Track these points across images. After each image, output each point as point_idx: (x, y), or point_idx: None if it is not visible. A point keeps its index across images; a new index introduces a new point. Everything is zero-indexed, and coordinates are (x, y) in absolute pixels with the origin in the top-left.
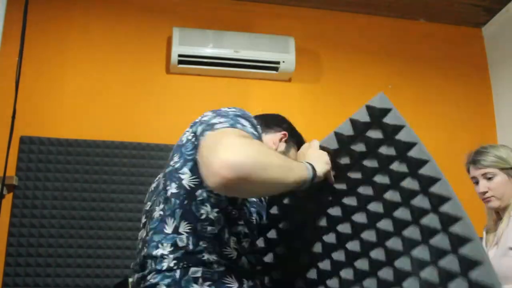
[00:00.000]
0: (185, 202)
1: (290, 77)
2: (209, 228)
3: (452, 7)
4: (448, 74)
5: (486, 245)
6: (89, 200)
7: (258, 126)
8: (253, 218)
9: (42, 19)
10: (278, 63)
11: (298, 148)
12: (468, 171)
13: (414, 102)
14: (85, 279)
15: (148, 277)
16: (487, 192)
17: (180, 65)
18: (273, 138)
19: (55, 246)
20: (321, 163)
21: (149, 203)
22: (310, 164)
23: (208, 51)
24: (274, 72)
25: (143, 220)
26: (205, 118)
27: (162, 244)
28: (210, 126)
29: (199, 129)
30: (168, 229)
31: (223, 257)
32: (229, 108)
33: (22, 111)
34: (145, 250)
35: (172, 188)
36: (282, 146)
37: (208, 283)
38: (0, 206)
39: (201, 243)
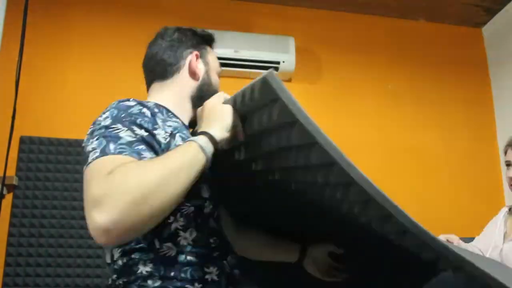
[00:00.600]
0: None
1: (290, 77)
2: (137, 246)
3: (452, 7)
4: (448, 74)
5: (505, 232)
6: None
7: (142, 114)
8: (187, 205)
9: (42, 19)
10: (278, 63)
11: (208, 43)
12: (505, 153)
13: (414, 102)
14: (85, 279)
15: None
16: None
17: None
18: (186, 74)
19: (55, 246)
20: (221, 124)
21: None
22: (205, 134)
23: None
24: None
25: None
26: (84, 141)
27: (109, 276)
28: (85, 160)
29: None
30: (108, 259)
31: (159, 261)
32: (103, 113)
33: (22, 111)
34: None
35: None
36: (201, 66)
37: None
38: (0, 206)
39: (133, 255)
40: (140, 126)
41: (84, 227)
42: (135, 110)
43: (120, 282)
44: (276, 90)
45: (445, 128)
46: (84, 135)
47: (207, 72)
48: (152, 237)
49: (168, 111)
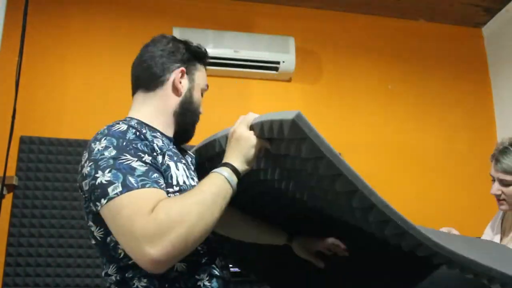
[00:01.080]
0: (104, 249)
1: (290, 77)
2: (130, 261)
3: (452, 7)
4: (448, 74)
5: (501, 238)
6: None
7: (138, 138)
8: None
9: (42, 19)
10: (278, 63)
11: (199, 59)
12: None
13: (414, 102)
14: (85, 279)
15: None
16: (500, 194)
17: None
18: (169, 89)
19: (55, 246)
20: (244, 157)
21: None
22: (229, 167)
23: (208, 51)
24: (274, 72)
25: None
26: (86, 170)
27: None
28: (101, 192)
29: (85, 186)
30: (103, 273)
31: (152, 276)
32: (98, 141)
33: (22, 111)
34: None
35: (92, 240)
36: (185, 82)
37: None
38: (0, 206)
39: (127, 274)
40: (143, 151)
41: (84, 227)
42: (131, 135)
43: None
44: (304, 130)
45: (445, 128)
46: (83, 135)
47: (190, 90)
48: None
49: (150, 127)
